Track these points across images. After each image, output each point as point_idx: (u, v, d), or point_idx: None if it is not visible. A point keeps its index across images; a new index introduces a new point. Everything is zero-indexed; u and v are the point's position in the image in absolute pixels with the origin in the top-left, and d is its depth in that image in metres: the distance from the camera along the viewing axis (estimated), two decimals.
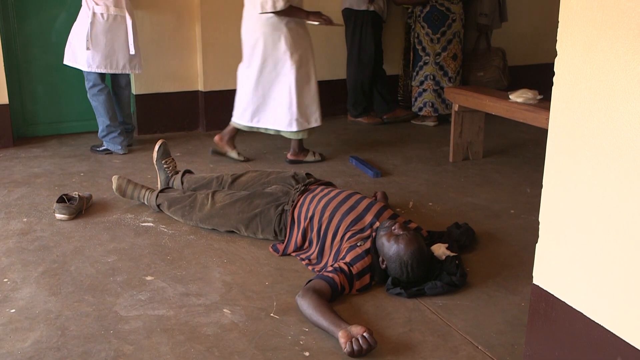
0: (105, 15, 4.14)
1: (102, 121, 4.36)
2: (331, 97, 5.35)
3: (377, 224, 2.61)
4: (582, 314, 1.68)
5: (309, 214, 2.76)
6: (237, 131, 4.26)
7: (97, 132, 4.48)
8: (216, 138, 4.29)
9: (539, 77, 4.55)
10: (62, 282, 2.53)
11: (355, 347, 1.99)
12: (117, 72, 4.30)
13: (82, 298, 2.40)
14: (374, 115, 5.49)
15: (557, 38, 1.67)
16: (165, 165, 3.41)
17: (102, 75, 4.30)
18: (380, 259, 2.48)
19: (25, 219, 3.20)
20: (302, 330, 2.18)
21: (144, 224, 3.14)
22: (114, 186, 3.32)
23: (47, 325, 2.21)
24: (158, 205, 3.21)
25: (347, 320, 2.16)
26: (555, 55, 1.68)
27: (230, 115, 4.80)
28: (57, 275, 2.59)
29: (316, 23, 4.04)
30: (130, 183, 3.32)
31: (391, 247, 2.44)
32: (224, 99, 5.06)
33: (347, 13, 5.22)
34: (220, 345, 2.10)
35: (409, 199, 3.52)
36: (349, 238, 2.58)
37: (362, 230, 2.62)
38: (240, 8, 4.93)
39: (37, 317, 2.26)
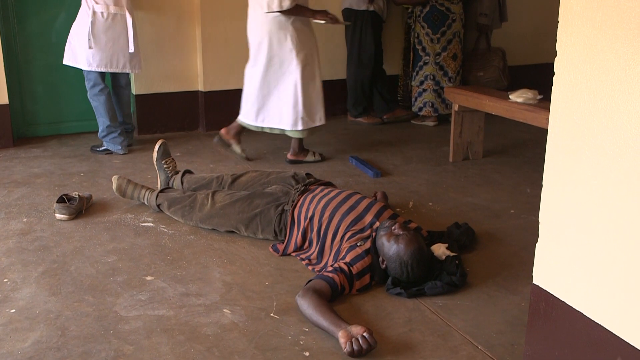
0: (105, 14, 4.14)
1: (102, 121, 4.36)
2: (331, 97, 5.35)
3: (377, 224, 2.61)
4: (582, 314, 1.68)
5: (309, 214, 2.76)
6: (243, 128, 4.26)
7: (97, 132, 4.48)
8: (222, 130, 4.29)
9: (539, 77, 4.55)
10: (62, 282, 2.53)
11: (355, 347, 1.99)
12: (117, 71, 4.30)
13: (82, 298, 2.40)
14: (374, 115, 5.49)
15: (557, 38, 1.67)
16: (165, 165, 3.42)
17: (102, 75, 4.30)
18: (380, 259, 2.48)
19: (25, 219, 3.20)
20: (302, 330, 2.18)
21: (144, 224, 3.14)
22: (114, 186, 3.32)
23: (47, 325, 2.21)
24: (158, 206, 3.21)
25: (347, 320, 2.16)
26: (555, 55, 1.68)
27: (230, 115, 4.80)
28: (57, 276, 2.59)
29: (322, 22, 4.05)
30: (130, 183, 3.32)
31: (391, 247, 2.44)
32: (224, 99, 5.07)
33: (347, 13, 5.21)
34: (220, 345, 2.10)
35: (409, 199, 3.52)
36: (349, 238, 2.58)
37: (362, 230, 2.62)
38: (240, 8, 4.93)
39: (37, 317, 2.26)
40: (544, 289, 1.80)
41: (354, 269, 2.42)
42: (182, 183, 3.34)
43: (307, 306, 2.22)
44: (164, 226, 3.10)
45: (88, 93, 4.35)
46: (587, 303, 1.66)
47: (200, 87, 5.09)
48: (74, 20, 4.24)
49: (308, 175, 3.19)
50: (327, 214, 2.71)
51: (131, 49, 4.24)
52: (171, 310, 2.32)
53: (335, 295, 2.34)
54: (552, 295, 1.77)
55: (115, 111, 4.42)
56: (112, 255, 2.78)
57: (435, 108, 5.24)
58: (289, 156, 4.23)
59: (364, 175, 3.98)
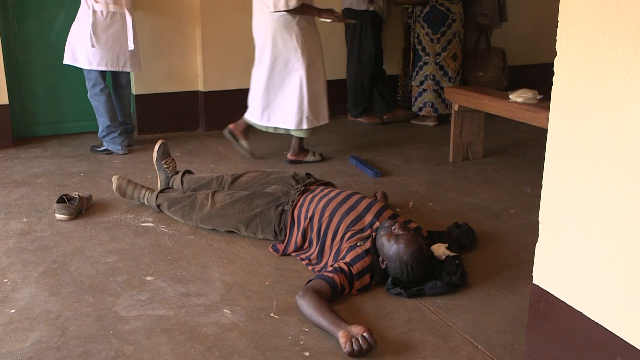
0: (104, 13, 4.14)
1: (103, 121, 4.36)
2: (331, 97, 5.34)
3: (377, 224, 2.61)
4: (582, 313, 1.68)
5: (309, 214, 2.76)
6: (250, 125, 4.25)
7: (97, 132, 4.48)
8: (231, 125, 4.30)
9: (539, 77, 4.56)
10: (62, 282, 2.53)
11: (355, 347, 1.99)
12: (117, 70, 4.29)
13: (82, 298, 2.40)
14: (374, 115, 5.49)
15: (557, 38, 1.67)
16: (165, 166, 3.42)
17: (103, 74, 4.30)
18: (380, 259, 2.48)
19: (25, 219, 3.20)
20: (302, 330, 2.18)
21: (144, 224, 3.14)
22: (114, 186, 3.32)
23: (47, 325, 2.21)
24: (158, 206, 3.21)
25: (347, 320, 2.16)
26: (555, 55, 1.68)
27: (230, 115, 4.80)
28: (57, 276, 2.59)
29: (329, 20, 4.06)
30: (130, 183, 3.32)
31: (391, 247, 2.44)
32: (224, 99, 5.07)
33: (347, 13, 5.21)
34: (220, 345, 2.10)
35: (409, 199, 3.52)
36: (349, 238, 2.58)
37: (362, 230, 2.62)
38: (240, 8, 4.95)
39: (37, 318, 2.26)
40: (544, 288, 1.80)
41: (354, 269, 2.42)
42: (182, 183, 3.34)
43: (307, 306, 2.22)
44: (164, 226, 3.11)
45: (88, 93, 4.35)
46: (587, 303, 1.66)
47: (200, 87, 5.09)
48: (74, 20, 4.24)
49: (308, 175, 3.19)
50: (327, 214, 2.71)
51: (130, 47, 4.24)
52: (171, 310, 2.32)
53: (335, 295, 2.34)
54: (552, 295, 1.77)
55: (115, 111, 4.42)
56: (112, 255, 2.78)
57: (435, 108, 5.24)
58: (289, 156, 4.23)
59: (364, 175, 3.98)
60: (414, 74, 5.29)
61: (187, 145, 4.70)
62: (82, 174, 3.97)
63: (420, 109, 5.30)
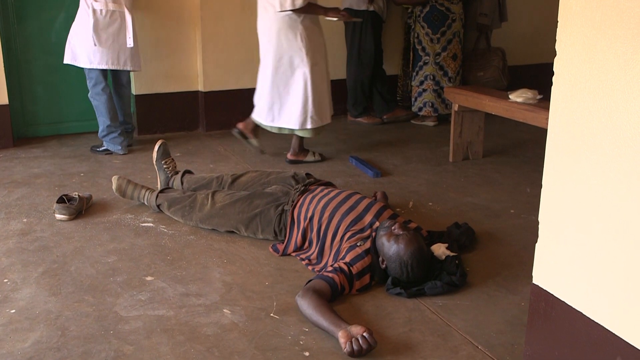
0: (104, 11, 4.15)
1: (103, 121, 4.36)
2: (331, 97, 5.35)
3: (377, 224, 2.61)
4: (582, 313, 1.68)
5: (309, 214, 2.76)
6: (256, 125, 4.26)
7: (97, 132, 4.48)
8: (241, 125, 4.30)
9: (539, 77, 4.56)
10: (62, 283, 2.53)
11: (355, 347, 1.99)
12: (118, 68, 4.29)
13: (82, 298, 2.41)
14: (374, 115, 5.49)
15: (557, 38, 1.67)
16: (165, 166, 3.42)
17: (104, 73, 4.30)
18: (380, 259, 2.48)
19: (25, 220, 3.20)
20: (302, 330, 2.18)
21: (144, 224, 3.14)
22: (114, 186, 3.32)
23: (47, 325, 2.21)
24: (158, 206, 3.21)
25: (347, 320, 2.16)
26: (555, 55, 1.68)
27: (230, 115, 4.81)
28: (57, 276, 2.59)
29: (335, 19, 4.07)
30: (130, 183, 3.32)
31: (391, 247, 2.44)
32: (224, 99, 5.07)
33: (347, 13, 5.21)
34: (220, 345, 2.10)
35: (409, 199, 3.52)
36: (349, 238, 2.58)
37: (362, 230, 2.62)
38: (240, 8, 4.95)
39: (37, 318, 2.26)
40: (544, 288, 1.80)
41: (354, 269, 2.42)
42: (182, 183, 3.34)
43: (307, 306, 2.22)
44: (164, 226, 3.11)
45: (89, 92, 4.35)
46: (587, 303, 1.66)
47: (200, 87, 5.09)
48: (74, 20, 4.25)
49: (308, 175, 3.19)
50: (327, 214, 2.71)
51: (129, 44, 4.24)
52: (171, 310, 2.32)
53: (335, 295, 2.34)
54: (552, 295, 1.77)
55: (116, 111, 4.42)
56: (112, 256, 2.78)
57: (435, 108, 5.24)
58: (289, 156, 4.23)
59: (364, 175, 3.98)
60: (414, 74, 5.29)
61: (187, 145, 4.70)
62: (82, 174, 3.97)
63: (420, 109, 5.30)
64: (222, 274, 2.61)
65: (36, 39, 4.72)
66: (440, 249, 2.58)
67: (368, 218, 2.66)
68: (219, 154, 4.47)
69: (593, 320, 1.64)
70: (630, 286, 1.53)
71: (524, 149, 4.58)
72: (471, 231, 2.91)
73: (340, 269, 2.41)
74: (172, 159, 3.47)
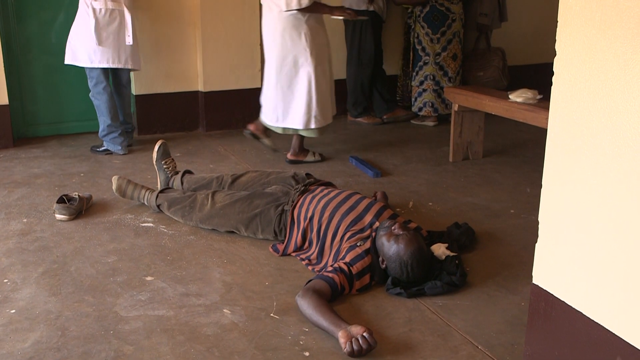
0: (103, 10, 4.15)
1: (103, 120, 4.36)
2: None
3: (377, 224, 2.61)
4: (582, 313, 1.68)
5: (309, 214, 2.76)
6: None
7: (97, 132, 4.48)
8: (251, 126, 4.30)
9: (539, 77, 4.55)
10: (62, 283, 2.53)
11: (355, 347, 1.99)
12: (119, 67, 4.29)
13: (82, 298, 2.41)
14: (373, 115, 5.49)
15: (556, 38, 1.67)
16: (165, 166, 3.42)
17: (105, 73, 4.30)
18: (380, 259, 2.48)
19: (25, 220, 3.20)
20: (302, 330, 2.18)
21: (144, 225, 3.14)
22: (114, 187, 3.32)
23: (47, 325, 2.21)
24: (158, 206, 3.21)
25: (347, 320, 2.16)
26: (555, 55, 1.68)
27: (230, 115, 4.81)
28: (57, 276, 2.59)
29: (341, 17, 4.07)
30: (130, 183, 3.32)
31: (391, 247, 2.44)
32: (224, 99, 5.07)
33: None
34: (220, 345, 2.10)
35: (409, 199, 3.52)
36: (349, 238, 2.58)
37: (361, 230, 2.62)
38: (240, 8, 4.95)
39: (37, 318, 2.26)
40: (544, 288, 1.80)
41: (354, 269, 2.42)
42: (182, 183, 3.34)
43: (307, 306, 2.22)
44: (164, 226, 3.11)
45: (90, 92, 4.35)
46: (587, 303, 1.66)
47: (200, 87, 5.09)
48: (74, 20, 4.25)
49: (308, 175, 3.19)
50: (326, 214, 2.71)
51: (128, 42, 4.24)
52: (171, 310, 2.32)
53: (335, 295, 2.34)
54: (552, 295, 1.77)
55: (117, 110, 4.42)
56: (112, 256, 2.78)
57: (435, 108, 5.24)
58: (289, 156, 4.23)
59: (364, 175, 3.98)
60: (414, 74, 5.29)
61: (187, 146, 4.70)
62: (82, 174, 3.97)
63: (420, 109, 5.30)
64: (222, 274, 2.61)
65: (36, 39, 4.72)
66: (440, 249, 2.58)
67: (368, 218, 2.66)
68: (219, 154, 4.47)
69: (593, 320, 1.64)
70: (630, 286, 1.53)
71: (524, 149, 4.58)
72: (471, 231, 2.91)
73: (340, 269, 2.41)
74: (172, 159, 3.47)
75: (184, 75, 5.05)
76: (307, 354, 2.05)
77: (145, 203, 3.28)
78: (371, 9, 5.16)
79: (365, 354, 2.02)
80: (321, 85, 4.00)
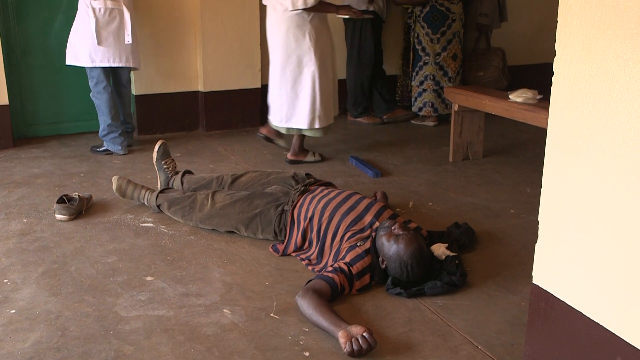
0: (103, 10, 4.16)
1: (104, 120, 4.36)
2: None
3: (377, 224, 2.61)
4: (582, 313, 1.68)
5: (309, 214, 2.76)
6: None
7: (97, 132, 4.48)
8: (263, 130, 4.31)
9: (539, 77, 4.55)
10: (62, 283, 2.53)
11: (355, 347, 1.99)
12: (120, 66, 4.29)
13: (82, 298, 2.41)
14: (373, 115, 5.49)
15: (556, 38, 1.67)
16: (165, 166, 3.42)
17: (106, 72, 4.30)
18: (380, 259, 2.48)
19: (25, 220, 3.20)
20: (302, 330, 2.18)
21: (144, 225, 3.14)
22: (114, 187, 3.32)
23: (47, 325, 2.21)
24: (158, 206, 3.21)
25: (347, 320, 2.16)
26: (555, 55, 1.68)
27: (230, 115, 4.81)
28: (57, 276, 2.59)
29: (347, 16, 4.07)
30: (130, 183, 3.32)
31: (391, 247, 2.44)
32: (224, 99, 5.07)
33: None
34: (220, 345, 2.10)
35: (409, 199, 3.52)
36: (349, 238, 2.58)
37: (361, 230, 2.62)
38: (240, 8, 4.95)
39: (37, 318, 2.26)
40: (544, 288, 1.80)
41: (354, 269, 2.42)
42: (182, 183, 3.35)
43: (307, 306, 2.22)
44: (164, 226, 3.11)
45: (91, 91, 4.35)
46: (587, 303, 1.66)
47: (200, 87, 5.09)
48: (74, 20, 4.25)
49: (308, 175, 3.19)
50: (326, 214, 2.71)
51: (128, 41, 4.24)
52: (171, 310, 2.32)
53: (335, 295, 2.34)
54: (552, 295, 1.77)
55: (117, 110, 4.42)
56: (112, 256, 2.78)
57: (435, 108, 5.24)
58: (289, 156, 4.23)
59: (364, 175, 3.98)
60: (414, 74, 5.29)
61: (187, 146, 4.70)
62: (82, 175, 3.97)
63: (420, 109, 5.30)
64: (222, 274, 2.61)
65: (36, 39, 4.72)
66: (440, 249, 2.58)
67: (368, 218, 2.66)
68: (219, 154, 4.47)
69: (593, 320, 1.65)
70: (630, 286, 1.53)
71: (524, 149, 4.58)
72: (471, 231, 2.91)
73: (340, 269, 2.41)
74: (172, 159, 3.47)
75: (184, 75, 5.05)
76: (307, 354, 2.05)
77: (145, 203, 3.28)
78: (371, 8, 5.16)
79: (365, 354, 2.02)
80: (324, 85, 4.00)
